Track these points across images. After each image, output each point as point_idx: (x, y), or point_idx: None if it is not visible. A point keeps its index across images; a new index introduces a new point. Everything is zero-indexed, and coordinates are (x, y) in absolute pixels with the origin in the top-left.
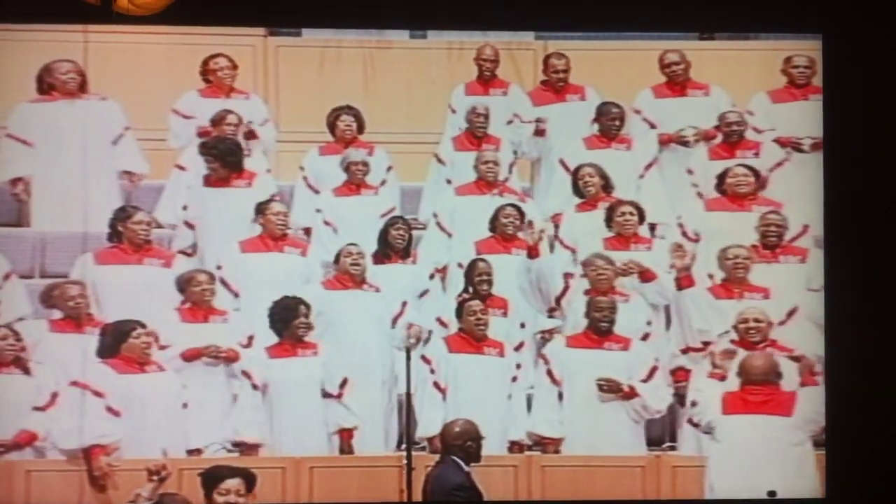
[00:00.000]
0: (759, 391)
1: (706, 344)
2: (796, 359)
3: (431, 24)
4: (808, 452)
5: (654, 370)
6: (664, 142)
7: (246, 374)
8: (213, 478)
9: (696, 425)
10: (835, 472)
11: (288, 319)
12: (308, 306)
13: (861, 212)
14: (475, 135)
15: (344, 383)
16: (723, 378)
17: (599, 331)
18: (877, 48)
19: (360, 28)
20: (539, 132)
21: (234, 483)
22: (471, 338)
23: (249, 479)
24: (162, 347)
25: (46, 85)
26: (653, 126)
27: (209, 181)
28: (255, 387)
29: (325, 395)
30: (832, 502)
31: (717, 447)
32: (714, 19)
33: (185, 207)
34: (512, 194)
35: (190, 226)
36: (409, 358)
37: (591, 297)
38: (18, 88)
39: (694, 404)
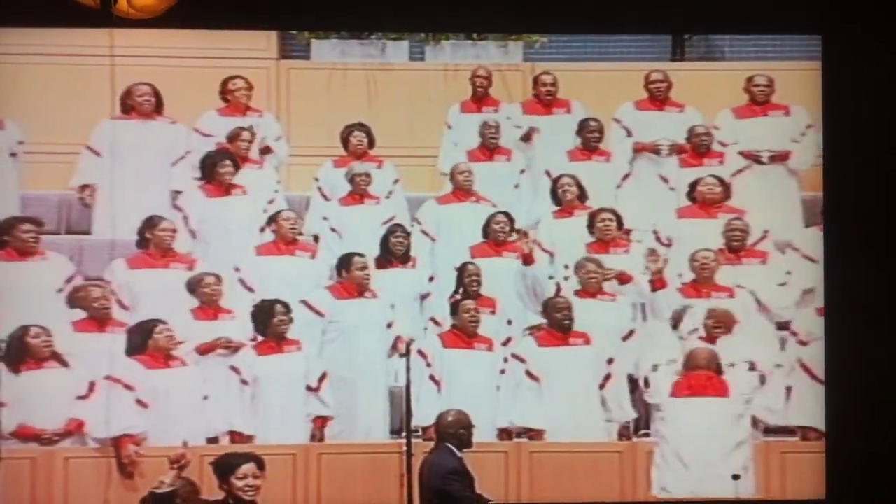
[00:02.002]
0: (699, 376)
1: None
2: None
3: (429, 27)
4: (745, 428)
5: (611, 360)
6: (638, 149)
7: (235, 369)
8: (227, 465)
9: (648, 408)
10: (834, 474)
11: (266, 320)
12: (286, 306)
13: (861, 214)
14: (488, 147)
15: (323, 377)
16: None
17: (562, 328)
18: (875, 49)
19: (363, 30)
20: (526, 137)
21: (249, 467)
22: (463, 334)
23: (259, 461)
24: (179, 343)
25: (127, 106)
26: (629, 133)
27: (209, 191)
28: (244, 382)
29: (308, 388)
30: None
31: (666, 425)
32: (714, 20)
33: (186, 218)
34: (485, 202)
35: (192, 234)
36: (408, 353)
37: (549, 299)
38: (57, 108)
39: (647, 384)
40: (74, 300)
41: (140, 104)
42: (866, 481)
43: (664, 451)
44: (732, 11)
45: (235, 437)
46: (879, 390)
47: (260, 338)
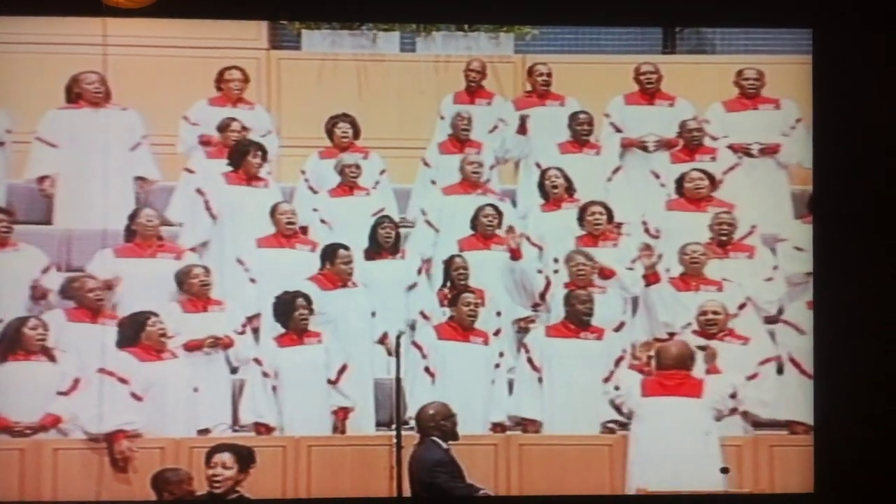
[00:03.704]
0: (672, 376)
1: (671, 335)
2: (702, 347)
3: (419, 18)
4: (713, 430)
5: (620, 359)
6: (626, 145)
7: (257, 361)
8: (208, 453)
9: (617, 408)
10: (822, 468)
11: (288, 313)
12: (307, 298)
13: (851, 208)
14: (459, 139)
15: (342, 370)
16: (641, 370)
17: (580, 322)
18: (867, 42)
19: (353, 20)
20: (521, 129)
21: (221, 456)
22: (460, 327)
23: (242, 455)
24: (169, 337)
25: (74, 94)
26: (618, 130)
27: (230, 178)
28: (265, 374)
29: (329, 381)
30: (820, 498)
31: (637, 427)
32: (706, 13)
33: (207, 205)
34: (493, 195)
35: (213, 216)
36: (398, 345)
37: (571, 290)
38: (46, 97)
39: (616, 388)
40: (69, 291)
41: (89, 92)
42: (854, 475)
43: (639, 449)
44: (723, 4)
45: (261, 429)
46: (868, 385)
47: (281, 330)
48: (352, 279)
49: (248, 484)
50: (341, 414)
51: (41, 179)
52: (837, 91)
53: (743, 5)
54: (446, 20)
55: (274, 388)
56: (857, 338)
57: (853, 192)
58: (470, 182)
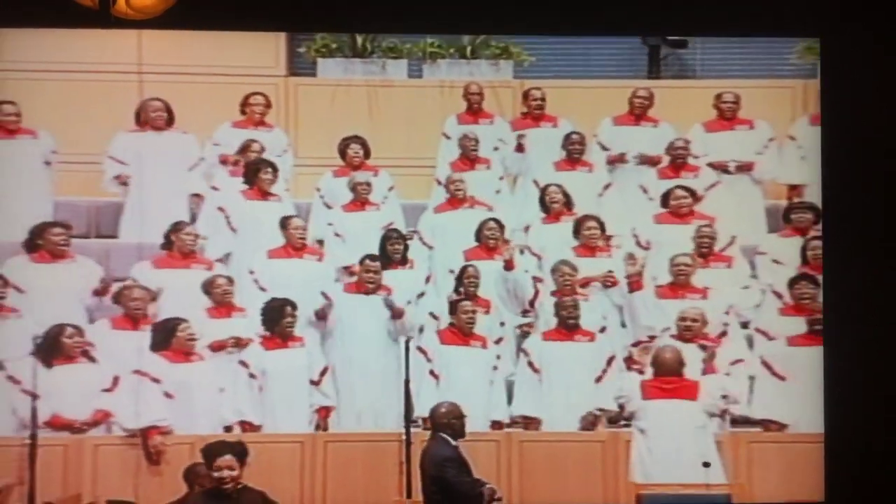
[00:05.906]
0: (669, 381)
1: (652, 338)
2: (703, 347)
3: (425, 28)
4: (710, 431)
5: (611, 359)
6: (611, 161)
7: (244, 363)
8: (208, 454)
9: (621, 407)
10: (833, 475)
11: (276, 319)
12: (294, 306)
13: (859, 217)
14: (469, 158)
15: (324, 371)
16: (641, 371)
17: (568, 326)
18: (874, 50)
19: (362, 31)
20: (519, 148)
21: (225, 459)
22: (460, 332)
23: (239, 452)
24: (196, 340)
25: (142, 119)
26: (605, 148)
27: (247, 195)
28: (252, 375)
29: (311, 382)
30: None
31: (640, 427)
32: (714, 22)
33: (228, 221)
34: (481, 206)
35: (233, 229)
36: (407, 350)
37: (557, 299)
38: (84, 119)
39: (620, 390)
40: (119, 298)
41: (153, 118)
42: (865, 483)
43: (642, 447)
44: (732, 15)
45: (246, 426)
46: (879, 393)
47: (267, 334)
48: (380, 287)
49: (268, 479)
50: (323, 412)
51: (117, 176)
52: (845, 99)
53: (752, 16)
54: (455, 31)
55: (260, 388)
56: (868, 345)
57: (862, 200)
58: (456, 199)
